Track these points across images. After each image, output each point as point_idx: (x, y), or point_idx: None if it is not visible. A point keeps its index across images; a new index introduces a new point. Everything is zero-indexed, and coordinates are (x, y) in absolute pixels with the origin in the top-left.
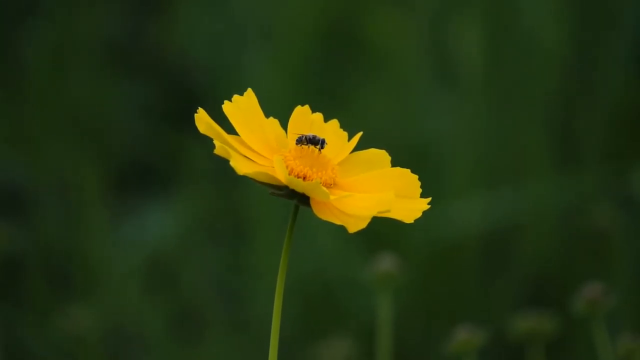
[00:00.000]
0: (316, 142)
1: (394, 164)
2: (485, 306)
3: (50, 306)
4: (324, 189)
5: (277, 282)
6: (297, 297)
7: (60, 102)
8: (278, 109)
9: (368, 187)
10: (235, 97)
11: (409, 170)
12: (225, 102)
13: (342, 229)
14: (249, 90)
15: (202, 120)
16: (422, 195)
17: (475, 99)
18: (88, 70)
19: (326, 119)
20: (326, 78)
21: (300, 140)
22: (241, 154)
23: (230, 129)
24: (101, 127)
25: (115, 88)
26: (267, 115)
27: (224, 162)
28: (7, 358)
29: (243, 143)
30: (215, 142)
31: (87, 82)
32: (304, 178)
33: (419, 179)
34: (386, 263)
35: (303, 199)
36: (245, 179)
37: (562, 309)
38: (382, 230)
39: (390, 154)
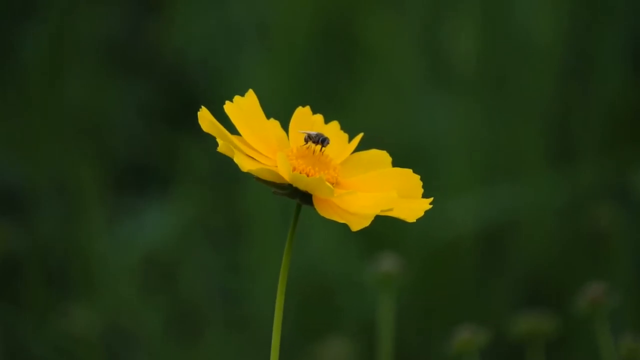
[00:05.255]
0: (320, 139)
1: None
2: (484, 306)
3: (49, 305)
4: (329, 184)
5: (279, 282)
6: (296, 296)
7: (58, 101)
8: (274, 109)
9: (370, 187)
10: (237, 97)
11: (410, 171)
12: (227, 102)
13: (341, 229)
14: (250, 91)
15: (205, 118)
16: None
17: (470, 97)
18: (86, 70)
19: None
20: (322, 78)
21: (307, 139)
22: (244, 153)
23: (231, 130)
24: (99, 126)
25: (113, 88)
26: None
27: (221, 162)
28: (6, 357)
29: (245, 143)
30: (218, 140)
31: (85, 81)
32: (307, 176)
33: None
34: (386, 263)
35: (305, 198)
36: (242, 179)
37: (561, 308)
38: (381, 230)
39: None
